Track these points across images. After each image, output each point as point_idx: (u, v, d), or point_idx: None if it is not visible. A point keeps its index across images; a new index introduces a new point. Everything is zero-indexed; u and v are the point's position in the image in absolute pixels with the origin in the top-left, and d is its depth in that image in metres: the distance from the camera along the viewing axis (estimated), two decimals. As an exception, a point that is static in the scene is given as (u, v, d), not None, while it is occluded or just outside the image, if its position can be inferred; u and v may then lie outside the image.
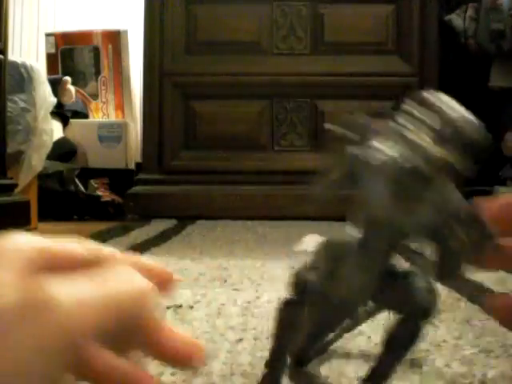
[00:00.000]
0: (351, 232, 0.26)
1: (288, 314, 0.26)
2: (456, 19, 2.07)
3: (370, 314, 0.41)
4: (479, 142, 0.24)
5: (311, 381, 0.29)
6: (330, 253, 0.26)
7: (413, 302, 0.26)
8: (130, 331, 0.22)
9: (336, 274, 0.26)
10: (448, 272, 0.26)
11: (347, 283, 0.26)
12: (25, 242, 0.21)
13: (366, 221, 0.26)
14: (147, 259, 0.25)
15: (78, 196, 2.20)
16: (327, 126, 0.27)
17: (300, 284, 0.25)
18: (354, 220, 0.26)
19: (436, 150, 0.24)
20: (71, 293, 0.20)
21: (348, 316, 0.29)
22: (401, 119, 0.25)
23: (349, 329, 0.42)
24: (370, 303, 0.28)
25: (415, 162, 0.24)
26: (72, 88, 2.48)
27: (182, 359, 0.23)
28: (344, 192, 0.26)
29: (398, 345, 0.26)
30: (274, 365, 0.26)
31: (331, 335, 0.35)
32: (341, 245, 0.26)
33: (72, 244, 0.23)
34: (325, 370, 0.47)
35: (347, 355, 0.51)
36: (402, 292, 0.26)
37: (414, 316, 0.26)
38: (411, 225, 0.25)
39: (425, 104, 0.26)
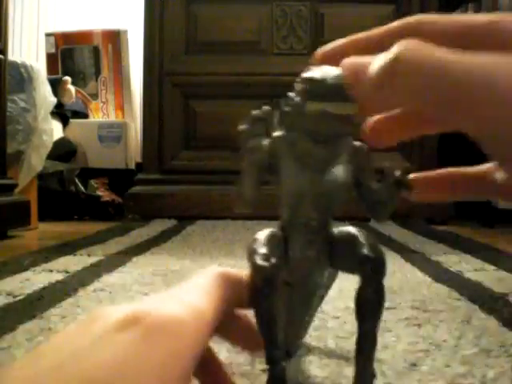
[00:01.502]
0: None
1: (265, 307, 0.26)
2: (456, 19, 2.07)
3: (333, 277, 0.42)
4: (336, 85, 0.25)
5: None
6: (277, 241, 0.27)
7: (363, 257, 0.27)
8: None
9: (288, 258, 0.27)
10: (380, 215, 0.28)
11: (299, 263, 0.27)
12: None
13: (292, 199, 0.28)
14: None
15: (78, 196, 2.20)
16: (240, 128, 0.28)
17: (264, 276, 0.26)
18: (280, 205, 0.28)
19: (314, 107, 0.25)
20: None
21: (313, 289, 0.29)
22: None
23: (321, 297, 0.44)
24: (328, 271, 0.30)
25: (311, 128, 0.26)
26: (72, 88, 2.48)
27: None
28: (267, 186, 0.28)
29: (371, 307, 0.27)
30: (272, 359, 0.27)
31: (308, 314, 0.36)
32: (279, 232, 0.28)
33: None
34: (325, 370, 0.47)
35: (347, 355, 0.51)
36: (351, 253, 0.27)
37: (370, 271, 0.27)
38: (330, 187, 0.27)
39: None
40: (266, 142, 0.28)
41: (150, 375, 0.19)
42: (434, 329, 0.61)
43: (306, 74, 0.26)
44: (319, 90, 0.25)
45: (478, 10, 2.00)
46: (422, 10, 2.07)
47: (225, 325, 0.25)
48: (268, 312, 0.26)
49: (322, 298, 0.43)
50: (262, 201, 0.29)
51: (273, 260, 0.26)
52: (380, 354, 0.51)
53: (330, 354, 0.52)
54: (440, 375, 0.47)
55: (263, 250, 0.26)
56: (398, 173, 0.27)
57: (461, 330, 0.61)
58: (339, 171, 0.27)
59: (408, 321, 0.65)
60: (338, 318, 0.65)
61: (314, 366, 0.48)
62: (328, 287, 0.43)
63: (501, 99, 0.19)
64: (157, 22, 2.09)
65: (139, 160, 2.34)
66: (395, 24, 0.27)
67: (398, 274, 0.94)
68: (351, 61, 0.24)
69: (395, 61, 0.21)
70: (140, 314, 0.21)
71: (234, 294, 0.25)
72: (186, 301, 0.23)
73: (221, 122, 2.06)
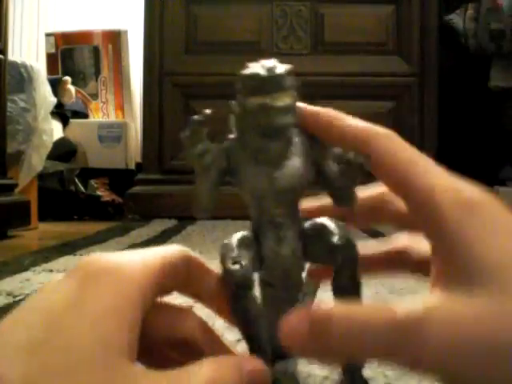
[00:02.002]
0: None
1: (241, 310, 0.27)
2: (456, 19, 2.07)
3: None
4: (272, 77, 0.25)
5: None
6: (249, 242, 0.27)
7: (333, 247, 0.27)
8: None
9: (263, 258, 0.27)
10: (345, 201, 0.27)
11: (274, 261, 0.27)
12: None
13: (254, 199, 0.28)
14: None
15: (78, 196, 2.20)
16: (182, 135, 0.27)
17: (236, 280, 0.26)
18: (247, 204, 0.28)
19: (252, 102, 0.26)
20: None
21: (295, 286, 0.29)
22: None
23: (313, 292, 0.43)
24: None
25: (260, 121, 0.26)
26: (72, 88, 2.48)
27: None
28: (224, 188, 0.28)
29: (348, 295, 0.27)
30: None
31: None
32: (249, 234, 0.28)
33: None
34: (325, 370, 0.47)
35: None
36: (321, 244, 0.27)
37: (340, 260, 0.27)
38: (290, 181, 0.26)
39: None
40: (213, 145, 0.28)
41: (88, 322, 0.19)
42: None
43: (242, 71, 0.26)
44: (255, 84, 0.25)
45: (478, 10, 2.00)
46: (422, 10, 2.07)
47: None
48: (244, 314, 0.26)
49: (314, 293, 0.43)
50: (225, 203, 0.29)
51: (243, 262, 0.26)
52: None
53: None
54: (440, 375, 0.47)
55: (233, 254, 0.26)
56: (359, 158, 0.26)
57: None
58: (296, 163, 0.26)
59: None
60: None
61: (313, 366, 0.48)
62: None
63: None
64: (157, 21, 2.09)
65: (139, 160, 2.34)
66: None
67: (399, 274, 0.94)
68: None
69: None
70: (88, 260, 0.22)
71: (184, 272, 0.26)
72: (138, 253, 0.24)
73: (221, 122, 2.06)
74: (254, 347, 0.27)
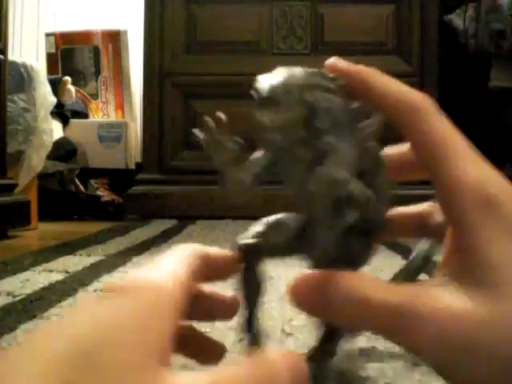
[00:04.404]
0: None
1: (246, 279, 0.27)
2: (456, 19, 2.07)
3: None
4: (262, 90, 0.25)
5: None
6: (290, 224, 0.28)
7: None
8: None
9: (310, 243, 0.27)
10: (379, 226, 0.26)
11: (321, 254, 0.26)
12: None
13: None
14: None
15: (78, 196, 2.20)
16: (196, 132, 0.27)
17: (245, 248, 0.27)
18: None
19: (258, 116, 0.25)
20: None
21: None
22: None
23: None
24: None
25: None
26: (72, 88, 2.48)
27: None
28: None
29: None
30: (248, 324, 0.27)
31: None
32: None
33: None
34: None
35: (347, 353, 0.51)
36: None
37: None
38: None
39: None
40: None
41: (131, 341, 0.19)
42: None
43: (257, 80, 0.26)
44: (256, 96, 0.25)
45: (478, 10, 2.00)
46: (422, 10, 2.07)
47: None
48: (248, 284, 0.28)
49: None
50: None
51: (257, 233, 0.27)
52: (380, 353, 0.51)
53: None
54: (440, 375, 0.47)
55: (256, 229, 0.27)
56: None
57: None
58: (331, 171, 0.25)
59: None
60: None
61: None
62: None
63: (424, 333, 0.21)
64: (157, 21, 2.09)
65: (139, 160, 2.34)
66: None
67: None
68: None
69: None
70: (125, 283, 0.22)
71: (204, 268, 0.26)
72: (164, 267, 0.24)
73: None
74: (249, 313, 0.28)
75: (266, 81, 0.25)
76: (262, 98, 0.24)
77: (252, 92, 0.25)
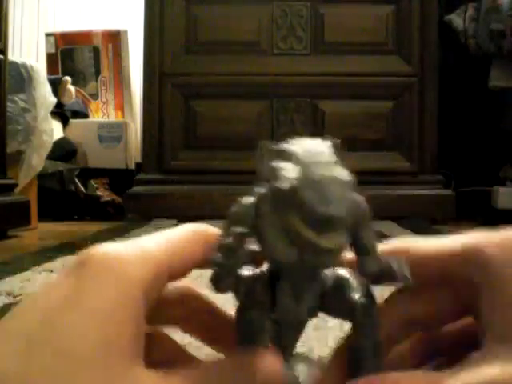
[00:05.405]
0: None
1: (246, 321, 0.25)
2: (456, 19, 2.07)
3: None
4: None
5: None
6: (262, 281, 0.25)
7: (352, 303, 0.25)
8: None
9: (276, 301, 0.25)
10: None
11: (287, 312, 0.25)
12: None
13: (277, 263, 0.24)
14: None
15: (78, 196, 2.20)
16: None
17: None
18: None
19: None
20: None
21: (301, 327, 0.27)
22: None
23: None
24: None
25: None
26: (72, 88, 2.48)
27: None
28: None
29: (365, 355, 0.25)
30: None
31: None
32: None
33: None
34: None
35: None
36: (340, 300, 0.25)
37: (360, 318, 0.25)
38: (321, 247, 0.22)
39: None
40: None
41: (89, 321, 0.19)
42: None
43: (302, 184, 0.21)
44: (319, 218, 0.21)
45: (478, 10, 2.00)
46: (422, 10, 2.07)
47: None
48: (247, 326, 0.25)
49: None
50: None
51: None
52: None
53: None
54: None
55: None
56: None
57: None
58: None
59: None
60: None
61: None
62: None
63: None
64: (157, 22, 2.09)
65: (139, 160, 2.34)
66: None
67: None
68: None
69: None
70: (88, 256, 0.21)
71: (204, 250, 0.24)
72: (140, 244, 0.22)
73: (221, 122, 2.06)
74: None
75: (319, 195, 0.20)
76: (323, 220, 0.20)
77: (296, 204, 0.20)
